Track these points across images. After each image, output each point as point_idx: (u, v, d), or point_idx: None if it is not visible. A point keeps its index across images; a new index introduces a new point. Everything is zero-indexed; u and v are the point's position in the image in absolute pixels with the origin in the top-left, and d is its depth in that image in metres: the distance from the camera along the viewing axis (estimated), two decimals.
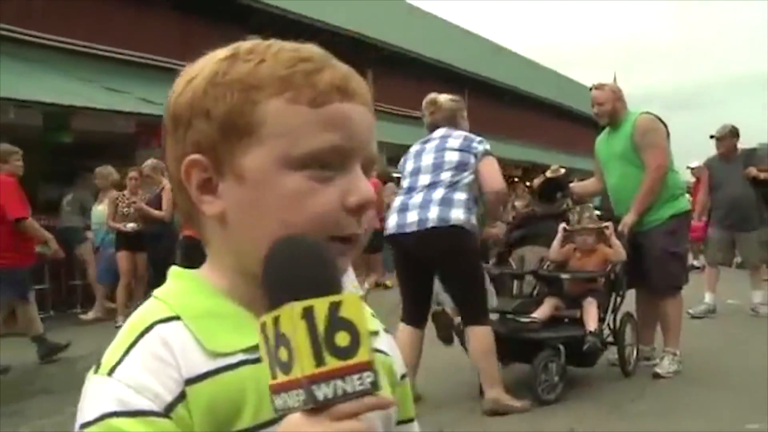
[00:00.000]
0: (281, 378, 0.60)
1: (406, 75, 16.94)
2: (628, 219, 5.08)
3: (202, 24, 11.77)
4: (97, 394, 0.70)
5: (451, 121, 4.66)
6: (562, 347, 4.64)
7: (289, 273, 0.62)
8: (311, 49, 0.78)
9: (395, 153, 4.81)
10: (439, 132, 4.65)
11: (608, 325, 5.12)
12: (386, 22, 17.35)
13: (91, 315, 8.55)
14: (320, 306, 0.59)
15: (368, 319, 0.88)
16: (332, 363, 0.58)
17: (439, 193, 4.35)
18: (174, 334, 0.72)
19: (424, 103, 4.78)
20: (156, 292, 0.78)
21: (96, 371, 0.72)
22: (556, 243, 5.10)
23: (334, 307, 0.59)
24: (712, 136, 7.70)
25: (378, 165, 8.57)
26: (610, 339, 5.14)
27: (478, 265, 4.57)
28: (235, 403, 0.70)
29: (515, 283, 5.36)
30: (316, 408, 0.59)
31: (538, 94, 25.15)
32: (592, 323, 4.74)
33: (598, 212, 5.56)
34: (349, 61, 0.79)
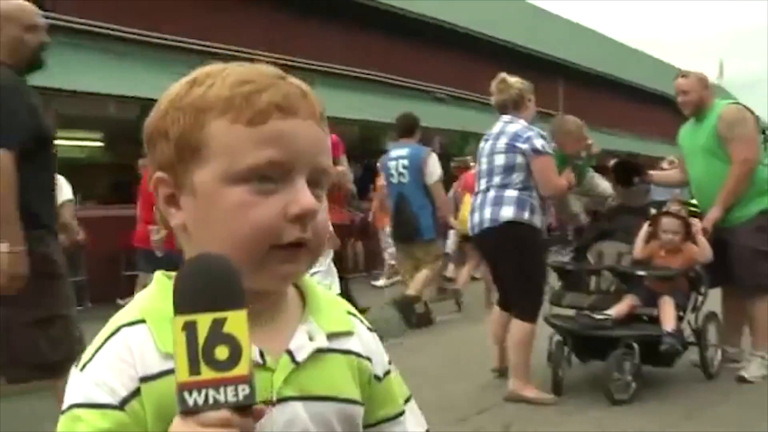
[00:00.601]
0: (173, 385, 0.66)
1: (498, 64, 16.71)
2: (712, 215, 4.85)
3: (286, 17, 12.05)
4: (71, 387, 0.80)
5: (517, 104, 4.72)
6: (636, 346, 4.50)
7: (188, 289, 0.67)
8: (260, 70, 0.84)
9: None
10: (497, 126, 4.71)
11: (689, 324, 4.92)
12: (474, 7, 17.16)
13: None
14: (203, 321, 0.64)
15: (342, 320, 0.91)
16: (207, 373, 0.64)
17: (491, 194, 4.61)
18: (135, 337, 0.80)
19: (493, 82, 4.83)
20: (137, 295, 0.87)
21: (76, 366, 0.81)
22: (640, 240, 4.91)
23: (218, 322, 0.64)
24: None
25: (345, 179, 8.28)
26: (693, 339, 4.94)
27: (531, 260, 4.60)
28: None
29: (592, 278, 5.23)
30: (189, 412, 0.63)
31: (637, 82, 24.29)
32: (668, 322, 4.56)
33: (691, 208, 5.33)
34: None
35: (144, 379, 0.77)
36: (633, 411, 4.34)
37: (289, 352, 0.83)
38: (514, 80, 4.78)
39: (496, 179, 4.57)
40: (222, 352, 0.64)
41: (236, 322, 0.65)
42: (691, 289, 4.86)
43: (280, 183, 0.80)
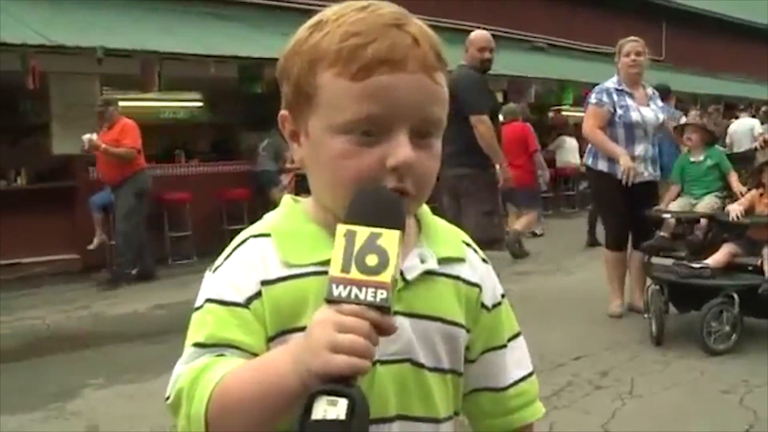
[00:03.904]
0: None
1: (598, 9, 16.04)
2: None
3: None
4: (205, 286, 0.91)
5: (616, 68, 5.39)
6: (736, 296, 4.39)
7: (359, 206, 0.79)
8: (374, 18, 0.85)
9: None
10: None
11: None
12: None
13: None
14: (362, 232, 0.76)
15: (455, 247, 0.99)
16: (354, 274, 0.75)
17: None
18: (261, 246, 0.91)
19: None
20: (266, 214, 0.97)
21: (210, 270, 0.94)
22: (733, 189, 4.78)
23: (374, 236, 0.76)
24: None
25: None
26: None
27: (596, 198, 6.05)
28: (297, 304, 0.86)
29: (691, 227, 5.11)
30: (333, 301, 0.75)
31: (747, 18, 22.56)
32: None
33: None
34: None
35: (264, 282, 0.87)
36: (736, 361, 4.28)
37: (401, 271, 0.88)
38: (618, 45, 5.41)
39: None
40: (372, 260, 0.74)
41: (389, 238, 0.75)
42: None
43: (381, 135, 0.83)
